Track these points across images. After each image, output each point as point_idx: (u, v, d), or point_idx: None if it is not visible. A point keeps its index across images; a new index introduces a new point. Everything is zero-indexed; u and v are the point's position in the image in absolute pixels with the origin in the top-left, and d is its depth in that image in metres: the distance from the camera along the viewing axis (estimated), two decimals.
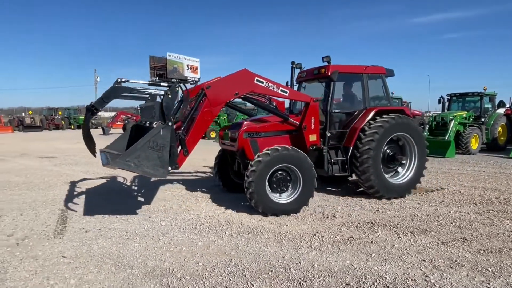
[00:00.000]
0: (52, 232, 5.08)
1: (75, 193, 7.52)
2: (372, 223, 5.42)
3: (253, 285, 3.54)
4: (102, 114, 58.97)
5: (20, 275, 3.76)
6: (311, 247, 4.51)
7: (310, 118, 6.45)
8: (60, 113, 39.24)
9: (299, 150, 5.98)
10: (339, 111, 7.18)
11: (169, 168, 5.37)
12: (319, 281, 3.62)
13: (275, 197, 5.89)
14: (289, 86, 7.48)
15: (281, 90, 6.26)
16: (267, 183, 5.74)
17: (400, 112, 7.08)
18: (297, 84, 8.00)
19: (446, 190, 7.61)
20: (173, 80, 5.78)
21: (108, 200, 6.88)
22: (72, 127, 40.18)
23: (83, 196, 7.23)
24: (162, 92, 5.77)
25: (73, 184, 8.45)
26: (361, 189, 7.04)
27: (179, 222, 5.48)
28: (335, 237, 4.85)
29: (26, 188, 8.07)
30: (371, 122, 6.66)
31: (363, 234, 4.94)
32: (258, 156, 5.73)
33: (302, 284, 3.56)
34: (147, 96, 6.20)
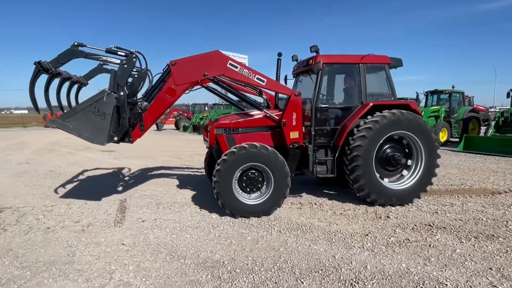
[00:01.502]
0: (113, 220, 5.44)
1: (133, 184, 7.99)
2: (430, 225, 5.08)
3: (302, 283, 3.49)
4: None
5: (85, 259, 4.07)
6: (363, 247, 4.34)
7: (290, 114, 5.94)
8: None
9: (269, 148, 5.56)
10: (326, 106, 6.43)
11: (115, 138, 5.46)
12: (372, 283, 3.47)
13: (244, 197, 5.61)
14: (276, 80, 6.81)
15: (257, 78, 5.83)
16: (235, 183, 5.52)
17: (404, 108, 6.17)
18: (294, 78, 7.41)
19: None
20: (131, 50, 5.55)
21: (163, 192, 7.21)
22: None
23: (140, 187, 7.65)
24: (119, 61, 5.61)
25: (130, 176, 8.99)
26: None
27: (229, 216, 5.57)
28: (389, 238, 4.62)
29: (89, 179, 8.74)
30: (369, 117, 5.93)
31: (420, 237, 4.65)
32: (225, 155, 5.47)
33: (354, 285, 3.44)
34: (101, 62, 5.84)
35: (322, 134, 6.29)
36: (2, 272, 3.75)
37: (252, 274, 3.68)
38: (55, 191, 7.38)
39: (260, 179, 5.64)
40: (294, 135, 6.00)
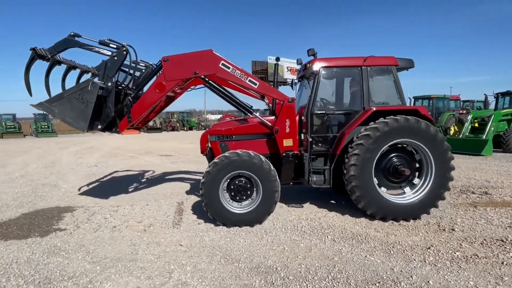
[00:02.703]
0: (171, 222, 5.73)
1: (189, 187, 8.34)
2: (502, 241, 4.62)
3: None
4: (209, 116, 64.44)
5: (147, 257, 4.34)
6: (424, 261, 4.08)
7: (283, 120, 5.73)
8: (175, 116, 44.08)
9: (254, 155, 5.35)
10: (323, 112, 6.03)
11: (99, 127, 5.64)
12: None
13: (234, 207, 5.46)
14: (273, 85, 6.56)
15: (250, 81, 5.68)
16: (223, 193, 5.40)
17: (412, 113, 5.57)
18: (299, 82, 7.05)
19: None
20: (123, 43, 5.75)
21: None
22: (185, 128, 44.68)
23: (196, 190, 7.96)
24: (110, 53, 5.76)
25: (187, 179, 9.41)
26: (478, 196, 6.07)
27: (281, 222, 5.57)
28: (454, 253, 4.28)
29: (150, 181, 9.31)
30: (371, 124, 5.44)
31: (490, 253, 4.25)
32: (208, 167, 5.36)
33: None
34: (96, 53, 5.99)
35: (320, 142, 6.02)
36: (76, 265, 4.13)
37: (305, 282, 3.64)
38: (120, 192, 7.96)
39: (249, 187, 5.48)
40: (287, 142, 5.79)
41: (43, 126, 33.29)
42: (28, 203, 7.10)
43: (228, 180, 5.43)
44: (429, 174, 5.62)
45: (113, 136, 30.30)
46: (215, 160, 5.37)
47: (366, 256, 4.25)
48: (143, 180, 9.50)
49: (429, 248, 4.45)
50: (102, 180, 9.63)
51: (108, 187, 8.68)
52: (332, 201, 6.76)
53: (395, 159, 5.70)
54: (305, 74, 5.93)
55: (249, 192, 5.49)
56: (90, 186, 8.73)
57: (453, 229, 5.09)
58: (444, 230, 5.10)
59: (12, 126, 32.56)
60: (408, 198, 5.65)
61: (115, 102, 5.78)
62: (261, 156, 5.41)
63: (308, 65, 6.00)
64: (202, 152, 6.39)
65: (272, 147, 5.95)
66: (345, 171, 5.49)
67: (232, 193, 5.46)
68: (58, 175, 10.48)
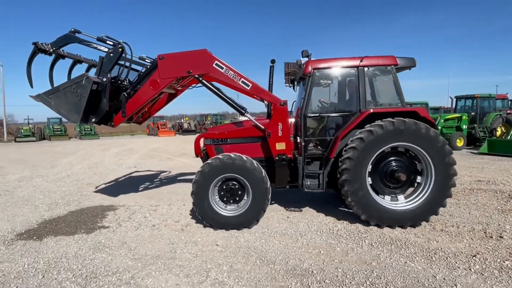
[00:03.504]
0: None
1: None
2: None
3: None
4: (241, 118, 64.90)
5: (185, 256, 4.47)
6: (469, 269, 3.88)
7: (276, 124, 5.69)
8: (209, 118, 44.90)
9: (245, 158, 5.33)
10: (316, 115, 5.87)
11: (94, 120, 5.86)
12: None
13: (221, 208, 5.44)
14: (269, 88, 6.44)
15: (242, 82, 5.65)
16: (213, 194, 5.40)
17: (411, 115, 5.30)
18: (299, 83, 6.84)
19: None
20: (119, 41, 5.87)
21: None
22: None
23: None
24: (107, 50, 5.90)
25: None
26: None
27: (316, 225, 5.52)
28: (503, 262, 4.03)
29: (186, 182, 9.56)
30: (367, 127, 5.23)
31: None
32: (202, 167, 5.37)
33: None
34: (94, 49, 6.13)
35: (315, 145, 5.91)
36: (120, 261, 4.34)
37: (342, 287, 3.59)
38: (158, 192, 8.25)
39: (240, 191, 5.45)
40: (280, 146, 5.73)
41: (86, 129, 35.21)
42: (74, 202, 7.55)
43: (220, 182, 5.47)
44: (429, 179, 5.31)
45: (150, 138, 31.44)
46: (208, 161, 5.46)
47: (406, 262, 4.11)
48: (179, 180, 9.78)
49: (474, 256, 4.22)
50: (141, 180, 10.03)
51: (147, 187, 9.02)
52: None
53: (393, 164, 5.44)
54: (295, 76, 5.91)
55: (238, 197, 5.48)
56: (130, 186, 9.12)
57: (501, 237, 4.80)
58: (491, 237, 4.82)
59: (59, 129, 34.71)
60: (406, 204, 5.40)
61: (115, 97, 6.02)
62: (254, 162, 5.39)
63: (303, 66, 5.90)
64: (196, 155, 6.49)
65: (266, 151, 5.93)
66: (338, 175, 5.35)
67: (223, 196, 5.48)
68: (100, 176, 11.04)
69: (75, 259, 4.43)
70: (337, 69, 5.82)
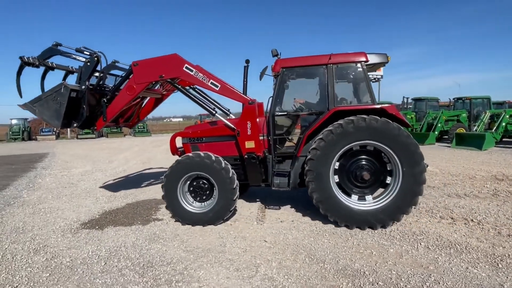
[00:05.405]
0: (255, 218, 5.91)
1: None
2: None
3: None
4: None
5: (234, 250, 4.56)
6: None
7: (245, 122, 5.71)
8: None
9: (213, 157, 5.43)
10: (283, 113, 5.82)
11: (75, 124, 6.26)
12: None
13: (189, 205, 5.63)
14: (243, 88, 6.25)
15: (211, 83, 5.73)
16: (181, 191, 5.60)
17: (377, 113, 5.09)
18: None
19: None
20: (96, 51, 6.25)
21: (299, 194, 7.44)
22: None
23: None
24: (84, 59, 6.28)
25: None
26: None
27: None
28: None
29: None
30: (330, 126, 5.14)
31: None
32: (173, 163, 5.56)
33: None
34: (73, 59, 6.52)
35: (284, 144, 5.95)
36: (173, 252, 4.54)
37: None
38: None
39: (208, 191, 5.59)
40: (249, 144, 5.74)
41: (139, 127, 37.29)
42: (131, 195, 8.03)
43: (190, 180, 5.62)
44: (397, 177, 5.12)
45: None
46: (179, 158, 5.65)
47: (467, 268, 3.83)
48: None
49: None
50: None
51: None
52: (419, 206, 6.23)
53: (358, 163, 5.32)
54: (260, 75, 5.97)
55: (206, 196, 5.62)
56: None
57: None
58: None
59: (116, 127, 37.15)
60: (373, 203, 5.23)
61: (98, 103, 6.44)
62: (222, 161, 5.47)
63: (273, 66, 5.83)
64: (172, 153, 6.66)
65: (239, 149, 5.92)
66: (305, 176, 5.29)
67: (192, 192, 5.66)
68: (154, 170, 11.63)
69: (133, 249, 4.71)
70: (306, 67, 5.73)
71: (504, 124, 15.49)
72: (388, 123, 4.97)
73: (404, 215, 5.16)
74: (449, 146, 15.94)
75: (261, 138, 5.84)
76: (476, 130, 15.96)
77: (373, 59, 5.57)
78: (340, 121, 5.10)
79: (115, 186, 9.11)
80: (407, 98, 20.85)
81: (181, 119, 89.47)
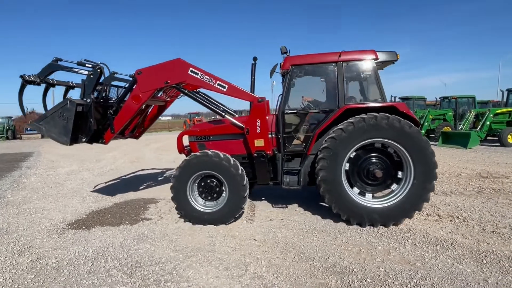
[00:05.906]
0: (245, 216, 5.91)
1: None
2: None
3: None
4: None
5: (224, 249, 4.54)
6: None
7: (254, 121, 5.67)
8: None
9: (222, 155, 5.37)
10: (293, 111, 5.78)
11: (84, 139, 6.08)
12: None
13: (200, 205, 5.56)
14: (251, 86, 6.32)
15: (218, 84, 5.66)
16: (191, 190, 5.53)
17: (389, 110, 5.11)
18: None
19: None
20: (99, 62, 6.06)
21: (288, 193, 7.47)
22: None
23: (268, 187, 8.09)
24: (87, 72, 6.06)
25: None
26: None
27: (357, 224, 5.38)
28: None
29: None
30: (340, 124, 5.15)
31: None
32: (182, 162, 5.50)
33: None
34: (76, 73, 6.29)
35: (292, 142, 5.87)
36: (162, 252, 4.50)
37: (385, 287, 3.48)
38: None
39: (218, 189, 5.54)
40: (259, 143, 5.70)
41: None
42: (119, 194, 7.92)
43: (199, 179, 5.56)
44: (408, 174, 5.15)
45: None
46: (187, 157, 5.58)
47: (453, 264, 3.90)
48: None
49: None
50: None
51: None
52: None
53: (371, 161, 5.33)
54: (270, 72, 5.98)
55: (216, 194, 5.56)
56: (170, 180, 9.40)
57: None
58: None
59: None
60: (385, 200, 5.27)
61: (103, 116, 6.29)
62: (231, 159, 5.42)
63: (282, 63, 5.83)
64: (179, 152, 6.59)
65: (248, 147, 5.88)
66: (316, 176, 5.29)
67: (201, 192, 5.59)
68: (142, 170, 11.52)
69: (121, 249, 4.65)
70: (316, 65, 5.76)
71: (488, 123, 15.82)
72: (401, 120, 5.00)
73: (417, 211, 5.24)
74: (435, 145, 16.20)
75: (269, 136, 5.83)
76: (461, 128, 16.31)
77: (382, 56, 5.57)
78: (351, 119, 5.11)
79: (102, 186, 8.99)
80: (395, 97, 21.11)
81: (170, 118, 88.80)
